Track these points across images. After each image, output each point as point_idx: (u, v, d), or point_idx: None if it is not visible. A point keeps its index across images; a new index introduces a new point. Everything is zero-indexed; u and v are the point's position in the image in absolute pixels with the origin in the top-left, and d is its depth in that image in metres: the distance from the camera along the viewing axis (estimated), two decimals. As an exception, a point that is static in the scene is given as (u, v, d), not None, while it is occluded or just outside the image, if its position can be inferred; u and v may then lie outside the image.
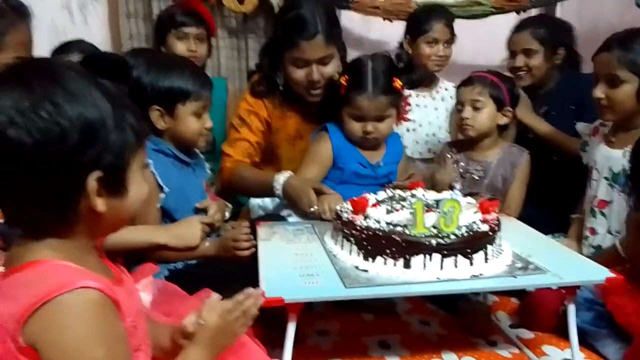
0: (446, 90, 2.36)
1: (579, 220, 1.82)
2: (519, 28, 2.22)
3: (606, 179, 1.70)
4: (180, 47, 2.11)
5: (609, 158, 1.69)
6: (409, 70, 1.77)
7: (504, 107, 1.83)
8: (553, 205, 1.97)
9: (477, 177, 1.87)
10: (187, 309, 1.21)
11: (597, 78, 1.66)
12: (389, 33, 2.65)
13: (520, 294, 1.64)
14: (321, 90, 1.82)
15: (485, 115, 1.82)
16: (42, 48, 2.07)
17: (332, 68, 1.80)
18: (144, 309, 0.90)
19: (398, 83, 1.72)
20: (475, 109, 1.81)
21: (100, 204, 0.74)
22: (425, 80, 2.17)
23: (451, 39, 2.28)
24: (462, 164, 1.90)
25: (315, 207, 1.56)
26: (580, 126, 1.89)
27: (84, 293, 0.71)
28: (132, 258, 1.22)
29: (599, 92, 1.63)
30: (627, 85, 1.58)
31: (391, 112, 1.75)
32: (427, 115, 2.33)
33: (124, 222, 0.83)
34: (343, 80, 1.72)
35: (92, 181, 0.72)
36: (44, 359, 0.70)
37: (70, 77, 0.73)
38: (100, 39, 2.58)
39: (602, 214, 1.71)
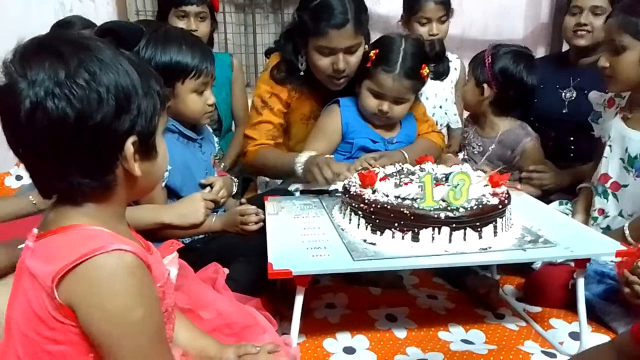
0: (451, 62, 2.33)
1: (587, 191, 1.73)
2: None
3: (622, 160, 1.58)
4: (180, 26, 2.01)
5: (626, 138, 1.56)
6: (438, 61, 1.75)
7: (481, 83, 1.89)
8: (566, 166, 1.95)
9: (476, 152, 1.95)
10: (195, 284, 1.22)
11: (603, 47, 1.59)
12: (397, 8, 2.60)
13: (527, 272, 1.62)
14: (344, 80, 1.76)
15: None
16: (47, 23, 2.06)
17: (358, 57, 1.73)
18: (170, 281, 0.91)
19: (425, 70, 1.71)
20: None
21: (136, 168, 0.77)
22: None
23: (445, 15, 2.23)
24: (471, 136, 2.01)
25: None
26: (594, 95, 1.77)
27: (120, 255, 0.72)
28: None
29: (603, 60, 1.54)
30: (630, 52, 1.48)
31: (410, 97, 1.74)
32: (432, 87, 2.31)
33: (153, 186, 0.88)
34: (372, 54, 1.70)
35: (130, 146, 0.75)
36: (81, 317, 0.72)
37: (100, 47, 0.74)
38: (107, 14, 2.56)
39: (615, 196, 1.60)
